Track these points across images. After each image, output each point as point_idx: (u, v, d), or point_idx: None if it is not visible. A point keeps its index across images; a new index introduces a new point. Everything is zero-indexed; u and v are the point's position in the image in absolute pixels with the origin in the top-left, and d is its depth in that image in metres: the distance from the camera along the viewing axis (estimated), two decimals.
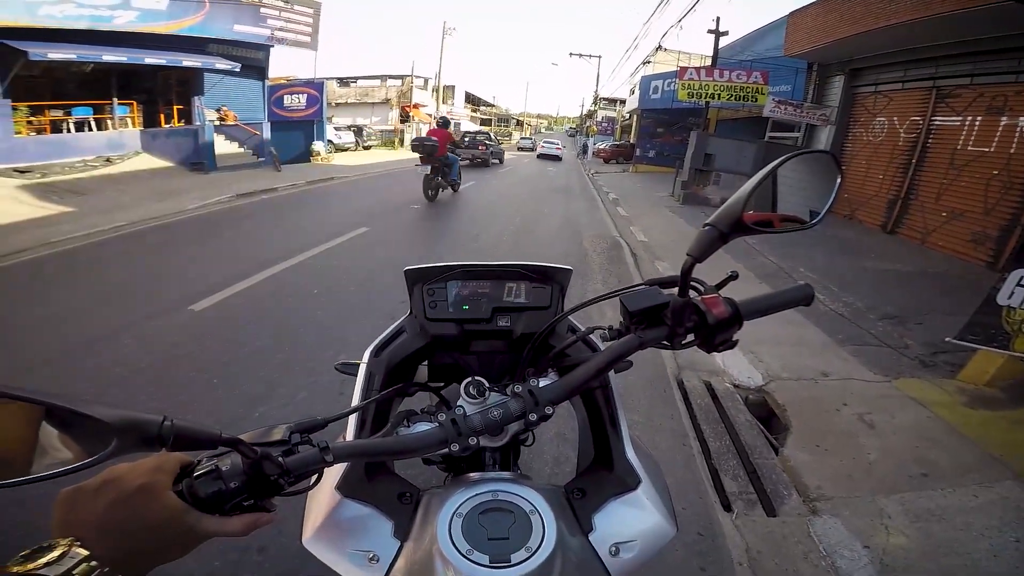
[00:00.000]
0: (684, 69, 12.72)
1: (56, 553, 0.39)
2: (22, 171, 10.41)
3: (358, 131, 24.49)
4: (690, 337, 0.61)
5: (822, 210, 0.64)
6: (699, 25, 14.16)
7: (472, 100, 48.82)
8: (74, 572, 0.38)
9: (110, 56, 11.64)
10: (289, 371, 2.92)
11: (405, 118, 29.70)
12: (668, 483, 0.74)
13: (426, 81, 32.67)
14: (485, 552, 0.51)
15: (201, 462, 0.49)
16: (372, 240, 6.30)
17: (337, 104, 29.39)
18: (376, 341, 0.88)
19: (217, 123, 14.53)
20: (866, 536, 1.90)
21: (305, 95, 17.40)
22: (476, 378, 0.66)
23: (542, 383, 0.63)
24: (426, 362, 0.96)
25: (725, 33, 13.27)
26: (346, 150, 21.83)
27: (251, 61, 15.50)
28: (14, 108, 11.07)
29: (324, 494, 0.62)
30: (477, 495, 0.58)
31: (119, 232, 6.54)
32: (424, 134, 9.96)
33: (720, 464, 2.33)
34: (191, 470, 0.48)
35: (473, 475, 0.66)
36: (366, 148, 24.36)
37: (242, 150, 15.01)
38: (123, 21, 11.79)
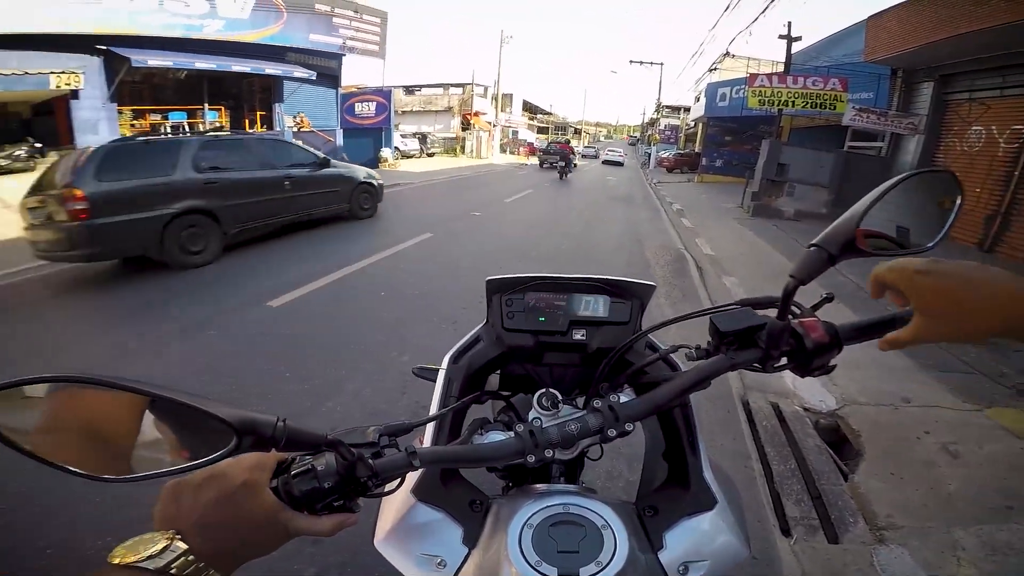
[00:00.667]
0: (754, 76, 12.24)
1: (159, 547, 0.40)
2: None
3: (423, 138, 25.32)
4: (783, 360, 0.59)
5: (939, 233, 0.60)
6: (768, 31, 13.55)
7: (529, 108, 49.18)
8: (173, 566, 0.39)
9: (201, 63, 12.69)
10: (356, 369, 3.08)
11: (466, 126, 30.39)
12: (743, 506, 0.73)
13: (486, 89, 33.16)
14: (554, 564, 0.51)
15: (295, 461, 0.50)
16: (435, 246, 6.52)
17: (403, 112, 30.53)
18: (454, 348, 0.91)
19: (295, 129, 15.48)
20: (934, 567, 1.79)
21: (374, 103, 18.19)
22: (550, 390, 0.67)
23: (622, 399, 0.62)
24: (498, 371, 0.96)
25: (798, 39, 12.62)
26: (411, 157, 22.63)
27: (325, 69, 16.41)
28: (119, 112, 12.35)
29: (399, 497, 0.63)
30: (549, 507, 0.58)
31: None
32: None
33: (783, 488, 2.25)
34: (286, 468, 0.49)
35: (540, 486, 0.67)
36: (430, 155, 25.14)
37: None
38: (212, 30, 12.84)
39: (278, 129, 15.18)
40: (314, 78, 15.62)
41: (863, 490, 2.24)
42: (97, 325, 3.92)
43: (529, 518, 0.57)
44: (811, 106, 11.30)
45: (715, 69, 20.77)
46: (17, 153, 10.85)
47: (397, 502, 0.65)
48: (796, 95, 11.25)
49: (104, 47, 11.18)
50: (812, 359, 0.58)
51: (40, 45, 10.27)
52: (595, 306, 0.90)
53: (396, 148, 19.71)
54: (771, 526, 2.01)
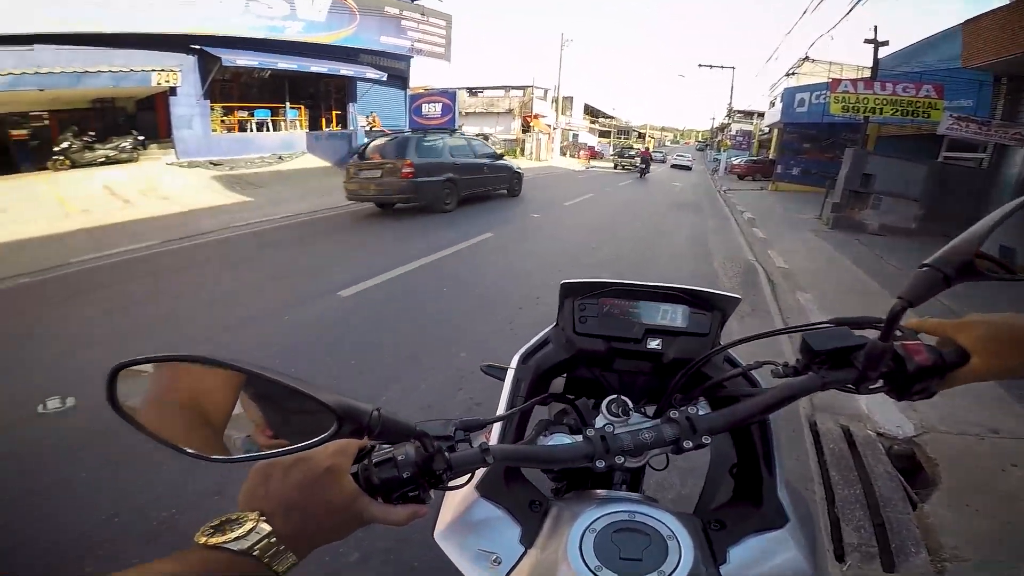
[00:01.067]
0: (837, 81, 11.48)
1: (245, 528, 0.40)
2: (216, 164, 12.59)
3: (485, 139, 25.70)
4: (879, 383, 0.58)
5: None
6: (851, 35, 12.68)
7: (591, 112, 48.69)
8: (256, 547, 0.40)
9: (284, 63, 13.56)
10: (415, 361, 3.19)
11: (526, 128, 30.56)
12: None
13: (546, 92, 33.22)
14: (615, 571, 0.51)
15: (375, 449, 0.51)
16: (496, 245, 6.62)
17: (466, 113, 31.14)
18: (523, 349, 0.92)
19: (366, 128, 16.19)
20: None
21: (440, 104, 18.66)
22: (621, 397, 0.66)
23: (701, 411, 0.61)
24: (564, 375, 0.97)
25: (885, 43, 11.71)
26: None
27: (394, 71, 17.07)
28: (211, 108, 13.40)
29: (462, 491, 0.62)
30: (614, 513, 0.57)
31: (286, 222, 7.65)
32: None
33: (843, 513, 2.13)
34: (365, 455, 0.50)
35: (601, 492, 0.66)
36: None
37: None
38: (292, 32, 13.69)
39: (351, 128, 15.91)
40: (385, 79, 16.28)
41: (931, 520, 2.09)
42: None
43: (592, 522, 0.56)
44: (902, 114, 10.48)
45: (793, 74, 19.73)
46: (123, 145, 11.97)
47: (460, 496, 0.66)
48: (884, 102, 10.46)
49: (198, 47, 12.18)
50: (912, 383, 0.56)
51: (142, 44, 11.33)
52: (673, 316, 0.88)
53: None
54: (825, 551, 1.91)
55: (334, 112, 17.09)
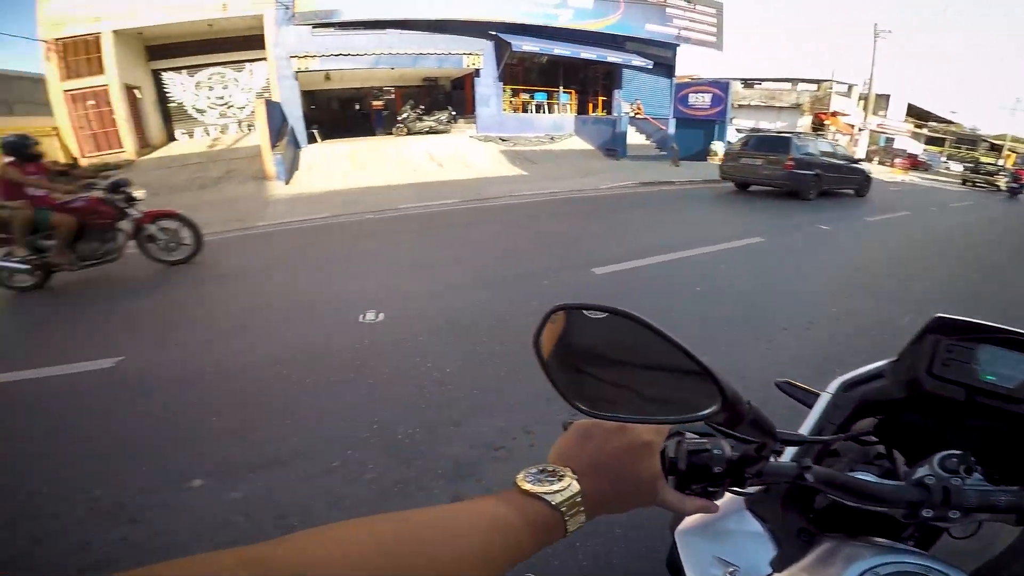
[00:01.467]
0: None
1: (562, 484, 0.41)
2: (503, 139, 14.50)
3: None
4: None
5: None
6: None
7: (917, 113, 38.64)
8: (564, 503, 0.41)
9: (559, 50, 14.49)
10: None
11: (819, 126, 26.08)
12: None
13: (850, 88, 27.85)
14: None
15: (685, 436, 0.50)
16: (766, 253, 5.76)
17: (739, 105, 28.40)
18: (848, 376, 0.84)
19: (630, 115, 16.29)
20: None
21: (710, 95, 17.42)
22: (964, 453, 0.56)
23: None
24: (877, 418, 0.85)
25: None
26: None
27: (660, 59, 16.62)
28: (504, 90, 15.32)
29: (725, 496, 0.58)
30: (904, 562, 0.50)
31: (553, 197, 8.37)
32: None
33: None
34: (675, 439, 0.50)
35: (886, 541, 0.58)
36: None
37: (647, 142, 16.46)
38: (564, 19, 14.48)
39: (616, 114, 16.23)
40: (650, 67, 16.02)
41: None
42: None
43: (877, 566, 0.50)
44: None
45: None
46: (441, 118, 14.82)
47: (720, 500, 0.60)
48: None
49: (494, 33, 13.92)
50: None
51: (456, 31, 13.49)
52: None
53: (729, 142, 18.54)
54: None
55: (600, 98, 17.66)
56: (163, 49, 13.71)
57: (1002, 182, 18.82)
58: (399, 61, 13.37)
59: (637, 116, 16.66)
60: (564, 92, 17.19)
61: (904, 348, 0.84)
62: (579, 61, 15.74)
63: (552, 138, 15.49)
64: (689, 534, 0.62)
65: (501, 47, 14.21)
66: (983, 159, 26.69)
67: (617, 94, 17.20)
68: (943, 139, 40.54)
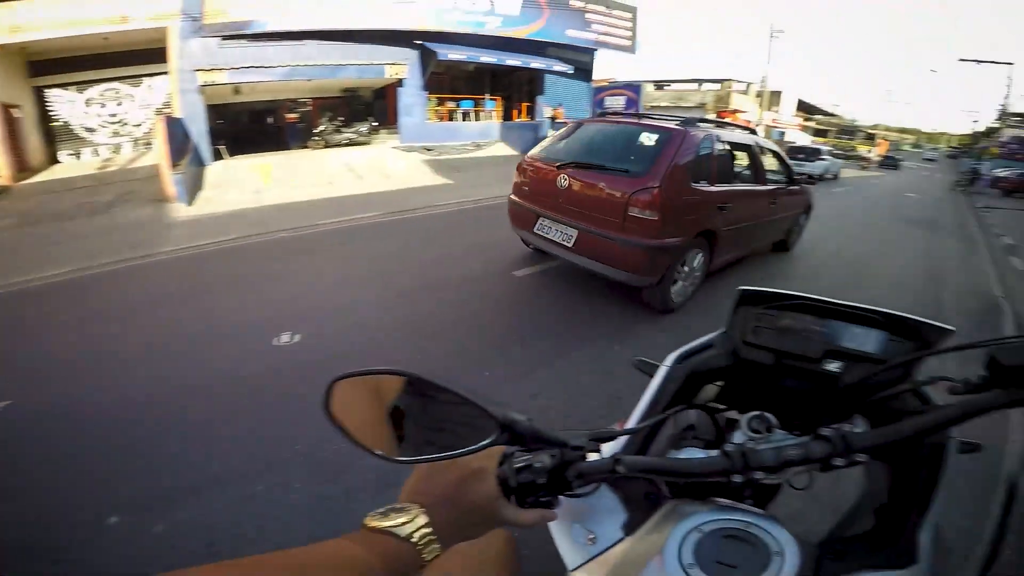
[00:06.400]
0: None
1: (408, 516, 0.45)
2: (428, 149, 14.41)
3: None
4: None
5: None
6: None
7: (805, 108, 42.64)
8: (414, 535, 0.44)
9: (485, 57, 14.64)
10: (567, 348, 3.31)
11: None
12: None
13: (748, 86, 30.23)
14: (707, 572, 0.51)
15: (514, 455, 0.53)
16: None
17: (651, 107, 29.95)
18: (682, 349, 0.90)
19: (550, 120, 16.75)
20: None
21: (624, 97, 18.35)
22: (764, 414, 0.64)
23: (857, 428, 0.58)
24: (718, 383, 0.93)
25: None
26: None
27: (579, 64, 17.22)
28: (428, 99, 15.25)
29: None
30: (727, 519, 0.57)
31: (478, 204, 8.48)
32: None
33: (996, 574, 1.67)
34: (504, 461, 0.53)
35: (725, 501, 0.65)
36: None
37: None
38: (491, 26, 14.67)
39: (539, 119, 16.64)
40: (571, 72, 16.59)
41: None
42: None
43: (702, 524, 0.56)
44: None
45: None
46: (361, 129, 14.48)
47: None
48: None
49: (419, 42, 13.88)
50: None
51: (379, 40, 13.28)
52: (865, 339, 0.80)
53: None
54: None
55: (524, 104, 18.02)
56: (49, 64, 12.44)
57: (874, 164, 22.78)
58: (316, 72, 12.97)
59: (558, 120, 17.16)
60: (490, 99, 17.38)
61: (728, 320, 0.93)
62: (505, 68, 15.97)
63: (478, 145, 15.62)
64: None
65: (427, 56, 14.13)
66: (861, 148, 29.89)
67: (540, 99, 17.60)
68: (827, 131, 45.00)
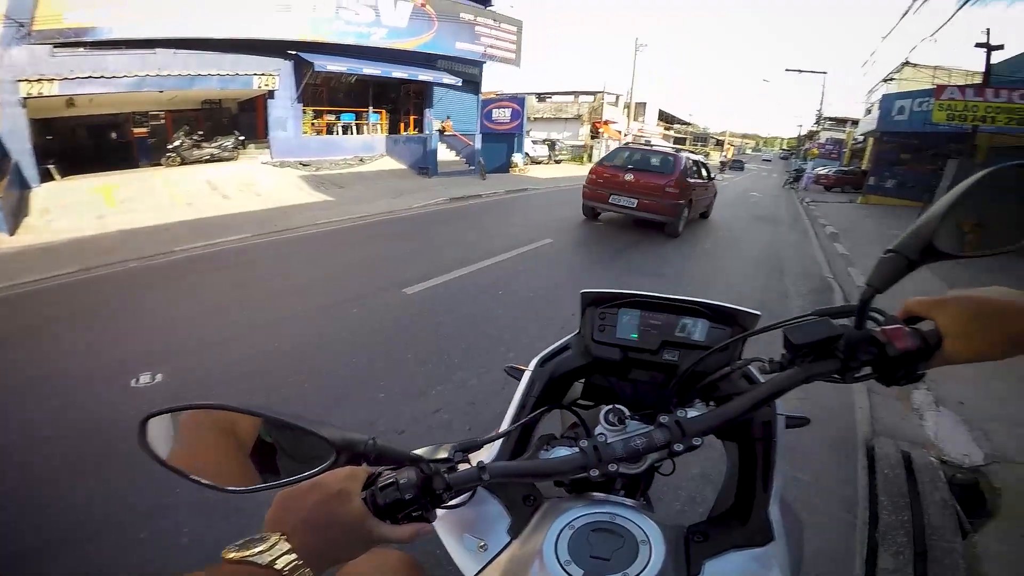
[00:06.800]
0: (942, 87, 10.61)
1: (267, 545, 0.45)
2: (304, 164, 13.55)
3: (551, 145, 25.78)
4: (865, 370, 0.57)
5: None
6: (959, 38, 11.51)
7: (665, 118, 47.40)
8: (277, 561, 0.44)
9: (368, 69, 14.15)
10: (467, 359, 3.32)
11: (595, 134, 30.24)
12: (807, 552, 0.69)
13: (617, 98, 32.64)
14: (582, 567, 0.53)
15: (382, 474, 0.54)
16: (554, 251, 6.66)
17: (535, 119, 31.31)
18: (543, 353, 0.93)
19: (440, 132, 16.72)
20: None
21: (510, 109, 18.92)
22: (616, 406, 0.67)
23: (690, 414, 0.62)
24: (583, 380, 0.98)
25: (999, 47, 10.53)
26: (540, 163, 23.16)
27: (468, 76, 17.45)
28: (303, 112, 14.42)
29: None
30: (595, 513, 0.60)
31: (362, 221, 8.16)
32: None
33: (884, 539, 2.03)
34: (373, 481, 0.53)
35: (597, 495, 0.68)
36: (557, 162, 25.49)
37: (457, 158, 17.02)
38: (376, 38, 14.27)
39: (427, 132, 16.52)
40: (460, 84, 16.74)
41: (979, 550, 1.96)
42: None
43: (573, 520, 0.59)
44: (1018, 123, 9.42)
45: (892, 79, 18.20)
46: (226, 144, 13.14)
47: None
48: (997, 110, 9.47)
49: (293, 52, 13.10)
50: (897, 368, 0.55)
51: (247, 50, 12.31)
52: (692, 329, 0.89)
53: (526, 154, 20.32)
54: (855, 574, 1.86)
55: (412, 117, 17.81)
56: None
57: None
58: (170, 83, 11.59)
59: (447, 133, 17.18)
60: (374, 112, 16.86)
61: (580, 322, 0.98)
62: (391, 80, 15.58)
63: (362, 160, 15.07)
64: (442, 520, 0.67)
65: (302, 67, 13.30)
66: (714, 154, 33.77)
67: (428, 112, 17.46)
68: (685, 139, 50.43)
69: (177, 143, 12.50)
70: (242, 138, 13.53)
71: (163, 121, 14.08)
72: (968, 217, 0.54)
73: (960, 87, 10.56)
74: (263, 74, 12.78)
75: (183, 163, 12.32)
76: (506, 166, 18.00)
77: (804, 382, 0.57)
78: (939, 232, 0.52)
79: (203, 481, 0.49)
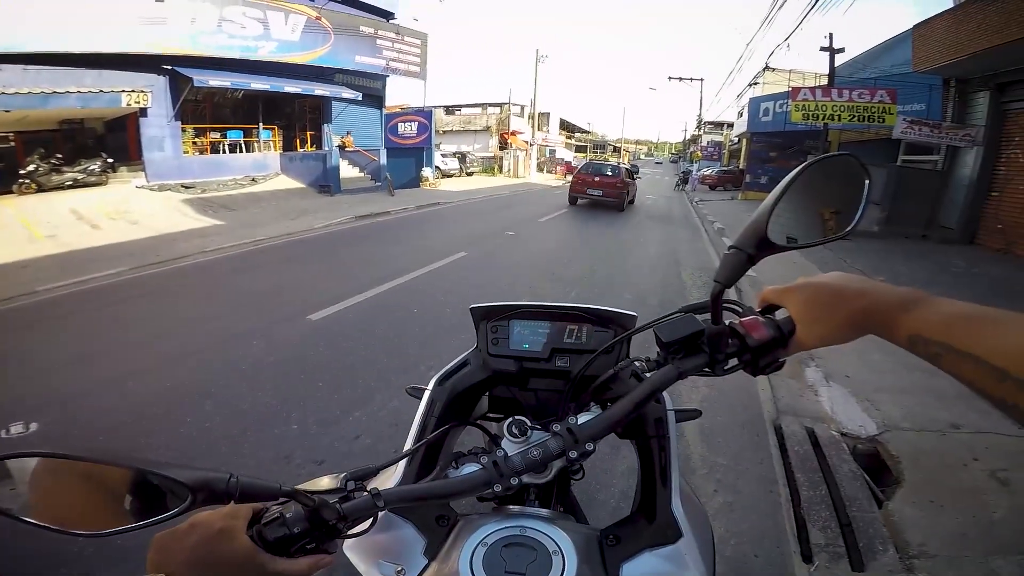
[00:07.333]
0: (797, 89, 11.99)
1: None
2: (187, 187, 12.38)
3: (462, 158, 25.85)
4: (733, 362, 0.59)
5: (853, 219, 0.59)
6: (809, 43, 13.27)
7: (567, 127, 49.42)
8: None
9: (257, 84, 13.39)
10: (385, 381, 3.17)
11: (504, 145, 30.82)
12: (720, 535, 0.73)
13: (522, 108, 33.49)
14: None
15: (269, 510, 0.53)
16: (469, 264, 6.62)
17: (444, 131, 31.27)
18: (442, 371, 0.93)
19: (341, 148, 16.08)
20: None
21: (416, 123, 18.71)
22: (518, 418, 0.66)
23: (582, 419, 0.62)
24: (487, 394, 0.99)
25: (841, 50, 12.27)
26: (451, 176, 23.09)
27: (370, 90, 17.06)
28: (183, 130, 13.20)
29: None
30: (505, 528, 0.59)
31: (258, 246, 7.57)
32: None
33: (809, 514, 2.17)
34: (260, 517, 0.52)
35: (512, 508, 0.67)
36: (469, 174, 25.61)
37: (362, 175, 16.48)
38: (265, 52, 13.54)
39: (326, 148, 15.84)
40: (360, 99, 16.26)
41: (897, 518, 2.13)
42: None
43: (485, 537, 0.58)
44: (858, 119, 10.93)
45: (756, 84, 20.45)
46: (91, 167, 11.67)
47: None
48: (842, 108, 10.91)
49: (169, 67, 12.00)
50: (759, 358, 0.57)
51: (113, 65, 11.12)
52: (578, 335, 0.91)
53: (437, 167, 20.19)
54: (791, 552, 1.95)
55: (308, 133, 17.01)
56: None
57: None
58: (18, 102, 10.09)
59: (348, 149, 16.57)
60: (265, 128, 15.81)
61: (476, 336, 0.97)
62: (283, 95, 14.69)
63: (254, 179, 14.07)
64: (353, 548, 0.64)
65: (179, 82, 12.14)
66: (611, 160, 35.75)
67: (327, 128, 16.71)
68: (586, 146, 53.03)
69: (31, 168, 10.87)
70: (111, 160, 12.10)
71: (12, 144, 12.21)
72: (808, 207, 0.59)
73: (811, 88, 12.02)
74: (133, 91, 11.55)
75: (40, 190, 10.74)
76: (416, 181, 17.74)
77: (679, 378, 0.58)
78: (770, 227, 0.54)
79: (52, 527, 0.46)
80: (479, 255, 7.21)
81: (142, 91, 11.71)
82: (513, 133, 31.26)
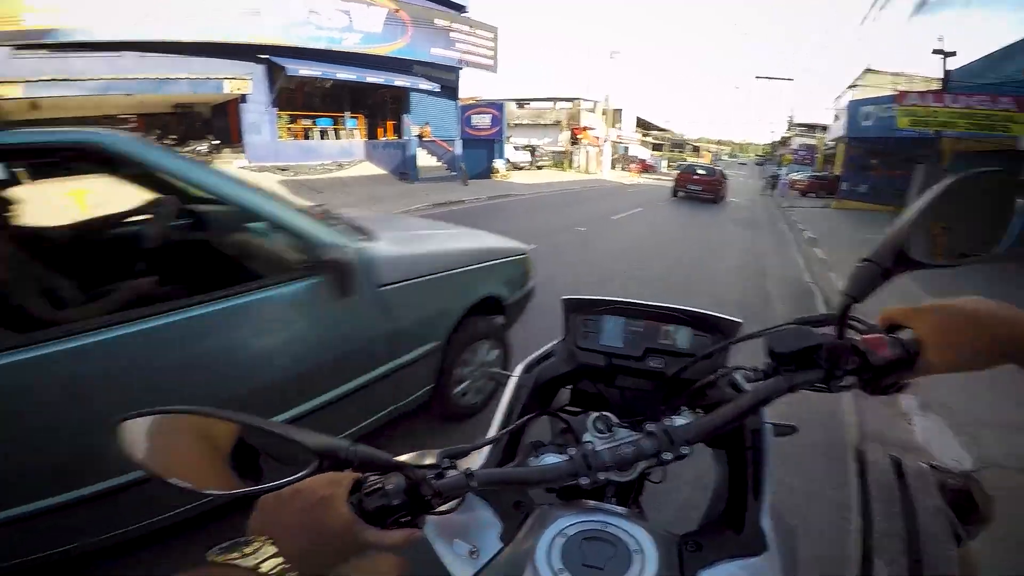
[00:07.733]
0: (904, 93, 11.01)
1: (252, 548, 0.44)
2: (282, 169, 13.36)
3: (532, 151, 25.92)
4: (849, 379, 0.57)
5: (1001, 240, 0.55)
6: (915, 45, 12.07)
7: (643, 125, 48.07)
8: (262, 565, 0.43)
9: (343, 74, 14.09)
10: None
11: (575, 140, 30.49)
12: (804, 558, 0.70)
13: (595, 104, 32.92)
14: (575, 575, 0.53)
15: (369, 480, 0.53)
16: (535, 257, 6.54)
17: (515, 124, 31.38)
18: (528, 359, 0.93)
19: (419, 138, 16.63)
20: None
21: (489, 115, 18.90)
22: (604, 414, 0.66)
23: (678, 422, 0.62)
24: (570, 386, 0.98)
25: (952, 54, 11.06)
26: (521, 169, 23.22)
27: (445, 82, 17.44)
28: (278, 116, 14.19)
29: None
30: (587, 521, 0.59)
31: None
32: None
33: (879, 545, 2.04)
34: (361, 486, 0.52)
35: (589, 502, 0.67)
36: (538, 168, 25.62)
37: (438, 164, 17.00)
38: (350, 43, 14.22)
39: (406, 137, 16.43)
40: (437, 90, 16.72)
41: (974, 558, 1.96)
42: None
43: (565, 527, 0.59)
44: (978, 128, 9.81)
45: (855, 86, 18.86)
46: (199, 148, 12.89)
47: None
48: (957, 115, 9.85)
49: (265, 56, 12.91)
50: (882, 377, 0.55)
51: (217, 53, 12.13)
52: (675, 336, 0.90)
53: (507, 160, 20.38)
54: None
55: (390, 122, 17.71)
56: None
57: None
58: (139, 87, 11.32)
59: (426, 139, 17.08)
60: (351, 117, 16.67)
61: (563, 328, 0.97)
62: (367, 85, 15.44)
63: (341, 165, 14.91)
64: (432, 525, 0.65)
65: (274, 71, 13.09)
66: (691, 159, 34.33)
67: (406, 118, 17.32)
68: (662, 145, 51.29)
69: None
70: (216, 142, 13.27)
71: (134, 125, 13.73)
72: (939, 223, 0.55)
73: (920, 93, 10.98)
74: (234, 78, 12.56)
75: None
76: (487, 172, 18.02)
77: (789, 391, 0.57)
78: (911, 241, 0.53)
79: (180, 483, 0.49)
80: (547, 249, 7.05)
81: (242, 79, 12.70)
82: (584, 129, 30.84)
